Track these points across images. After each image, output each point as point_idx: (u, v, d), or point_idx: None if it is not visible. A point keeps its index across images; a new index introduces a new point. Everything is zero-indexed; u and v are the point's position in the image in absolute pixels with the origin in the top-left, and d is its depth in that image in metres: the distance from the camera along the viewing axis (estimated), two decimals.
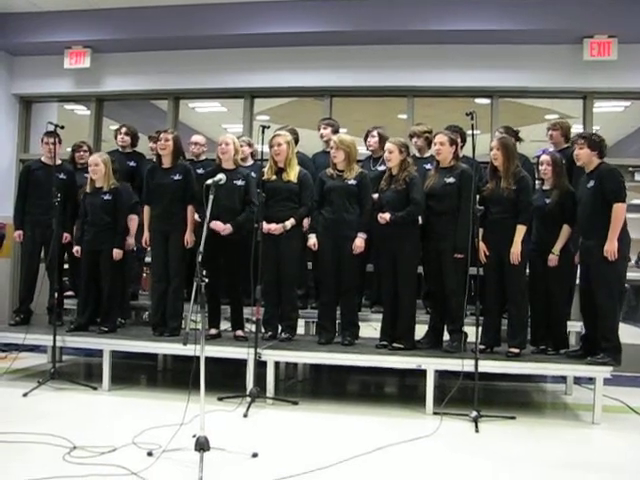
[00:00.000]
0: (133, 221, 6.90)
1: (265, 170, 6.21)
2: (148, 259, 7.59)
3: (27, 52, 9.24)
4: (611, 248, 5.42)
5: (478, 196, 5.67)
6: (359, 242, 6.03)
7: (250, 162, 6.99)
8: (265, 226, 6.04)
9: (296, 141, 6.63)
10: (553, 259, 5.87)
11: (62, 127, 6.43)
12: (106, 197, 6.46)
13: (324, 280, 6.27)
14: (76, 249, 6.63)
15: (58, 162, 6.85)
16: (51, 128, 6.44)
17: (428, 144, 6.63)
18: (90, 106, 9.65)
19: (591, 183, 5.63)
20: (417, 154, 6.78)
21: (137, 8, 8.55)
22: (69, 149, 7.59)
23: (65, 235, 6.78)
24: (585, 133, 6.07)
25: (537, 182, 6.59)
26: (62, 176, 6.85)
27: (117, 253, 6.43)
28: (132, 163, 7.51)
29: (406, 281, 5.98)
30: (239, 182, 6.18)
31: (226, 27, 8.42)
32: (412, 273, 6.04)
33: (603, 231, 5.48)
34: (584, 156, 5.69)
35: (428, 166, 6.37)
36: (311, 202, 6.22)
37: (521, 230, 5.73)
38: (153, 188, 6.43)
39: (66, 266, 7.29)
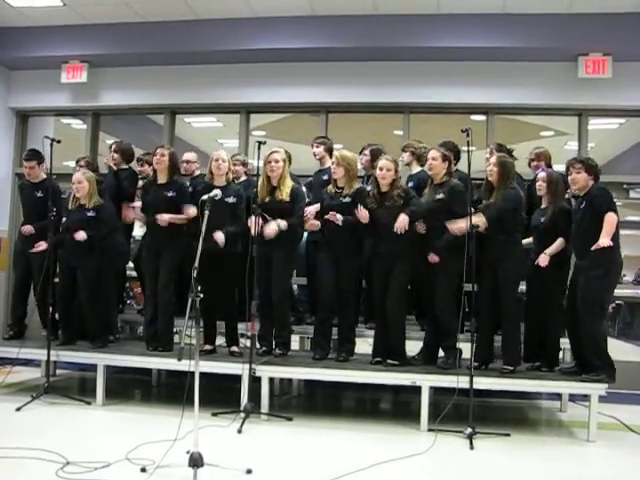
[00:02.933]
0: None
1: (259, 190, 6.11)
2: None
3: (24, 66, 9.26)
4: (604, 242, 5.37)
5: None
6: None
7: (243, 178, 7.01)
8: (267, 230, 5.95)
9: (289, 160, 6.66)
10: (544, 258, 5.82)
11: (58, 141, 6.40)
12: (89, 214, 6.43)
13: (320, 296, 6.25)
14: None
15: (42, 177, 6.95)
16: (47, 142, 6.41)
17: (417, 159, 6.68)
18: (87, 120, 9.67)
19: (583, 204, 5.68)
20: (409, 170, 6.81)
21: (134, 23, 8.58)
22: (66, 163, 7.59)
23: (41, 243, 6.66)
24: (581, 157, 6.07)
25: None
26: (39, 194, 6.82)
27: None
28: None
29: (395, 295, 5.94)
30: (230, 199, 6.13)
31: (223, 43, 8.46)
32: (403, 289, 6.02)
33: (595, 252, 5.48)
34: (582, 180, 5.72)
35: (410, 184, 6.41)
36: (301, 215, 6.18)
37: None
38: (147, 203, 6.43)
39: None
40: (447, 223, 5.76)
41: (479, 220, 5.64)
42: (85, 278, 6.43)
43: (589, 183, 5.72)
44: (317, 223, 6.09)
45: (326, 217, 5.99)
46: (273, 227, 5.96)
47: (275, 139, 7.27)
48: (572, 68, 8.00)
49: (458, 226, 5.65)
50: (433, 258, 5.86)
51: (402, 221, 5.79)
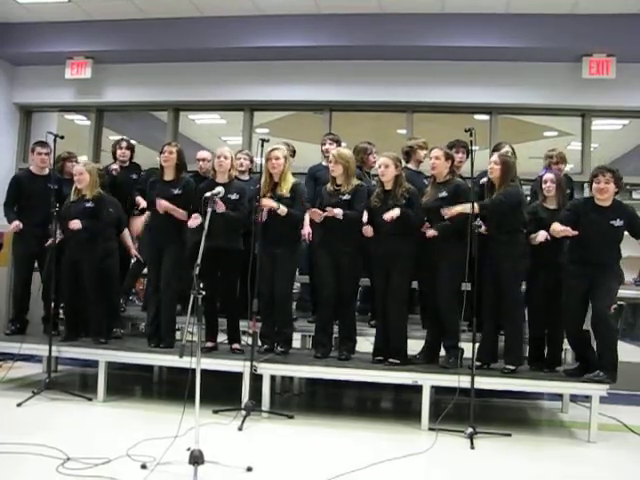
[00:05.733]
0: (127, 235, 7.03)
1: (261, 186, 6.11)
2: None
3: (29, 62, 9.28)
4: None
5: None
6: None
7: (247, 177, 6.98)
8: (264, 202, 5.94)
9: (293, 153, 6.71)
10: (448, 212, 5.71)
11: (62, 137, 6.41)
12: (88, 204, 6.42)
13: (321, 295, 6.25)
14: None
15: (46, 172, 6.93)
16: (50, 138, 6.43)
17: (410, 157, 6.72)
18: (90, 116, 9.69)
19: (618, 222, 5.55)
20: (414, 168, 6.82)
21: (139, 20, 8.61)
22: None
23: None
24: (609, 167, 5.75)
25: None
26: (55, 186, 6.79)
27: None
28: (134, 176, 7.48)
29: (396, 296, 5.93)
30: (233, 196, 6.10)
31: (227, 40, 8.47)
32: (404, 288, 6.00)
33: (614, 265, 5.60)
34: (611, 190, 5.59)
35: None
36: (302, 211, 6.18)
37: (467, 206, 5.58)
38: (153, 200, 6.40)
39: None
40: (442, 210, 5.73)
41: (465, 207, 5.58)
42: (89, 272, 6.39)
43: (613, 195, 5.64)
44: (320, 212, 5.99)
45: (325, 214, 5.94)
46: (271, 202, 5.96)
47: (278, 137, 7.27)
48: (576, 69, 8.00)
49: (452, 211, 5.65)
50: (430, 232, 5.80)
51: (392, 212, 5.75)
